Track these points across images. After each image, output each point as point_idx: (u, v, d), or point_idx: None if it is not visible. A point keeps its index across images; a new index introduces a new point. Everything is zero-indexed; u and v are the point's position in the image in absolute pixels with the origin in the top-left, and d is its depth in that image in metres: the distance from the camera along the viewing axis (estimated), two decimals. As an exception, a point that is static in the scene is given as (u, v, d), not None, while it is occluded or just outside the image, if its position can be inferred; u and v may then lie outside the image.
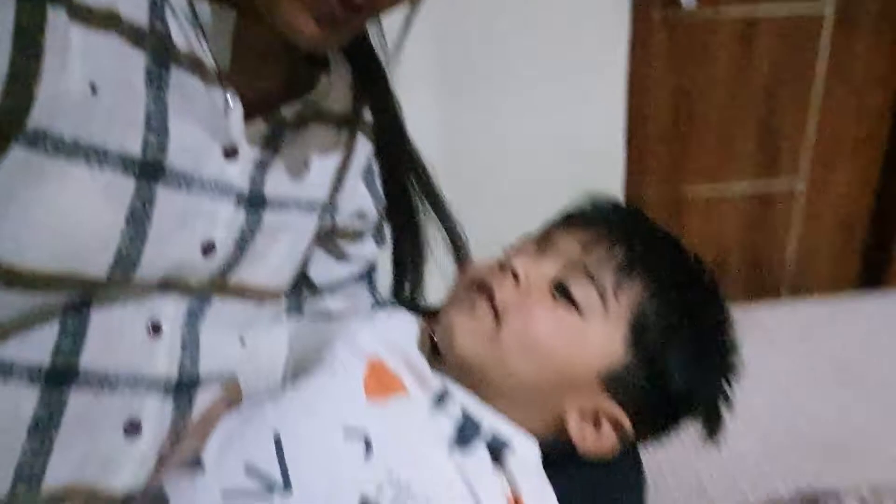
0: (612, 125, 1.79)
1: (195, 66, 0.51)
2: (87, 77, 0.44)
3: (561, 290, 0.55)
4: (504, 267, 0.57)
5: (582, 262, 0.56)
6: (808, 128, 1.99)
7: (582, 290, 0.54)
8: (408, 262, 0.81)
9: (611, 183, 1.80)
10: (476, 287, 0.57)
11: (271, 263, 0.63)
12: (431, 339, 0.59)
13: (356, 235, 0.75)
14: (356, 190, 0.73)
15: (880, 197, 2.12)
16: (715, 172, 2.00)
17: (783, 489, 0.82)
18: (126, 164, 0.47)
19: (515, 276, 0.56)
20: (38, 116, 0.42)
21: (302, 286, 0.78)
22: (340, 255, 0.75)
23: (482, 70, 1.53)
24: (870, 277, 2.11)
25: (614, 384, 0.55)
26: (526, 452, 0.54)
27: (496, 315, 0.54)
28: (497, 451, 0.53)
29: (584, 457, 0.56)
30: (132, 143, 0.48)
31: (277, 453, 0.49)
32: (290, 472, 0.48)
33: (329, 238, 0.74)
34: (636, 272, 0.55)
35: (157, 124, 0.49)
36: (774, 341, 1.06)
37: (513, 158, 1.64)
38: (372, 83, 0.69)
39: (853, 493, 0.80)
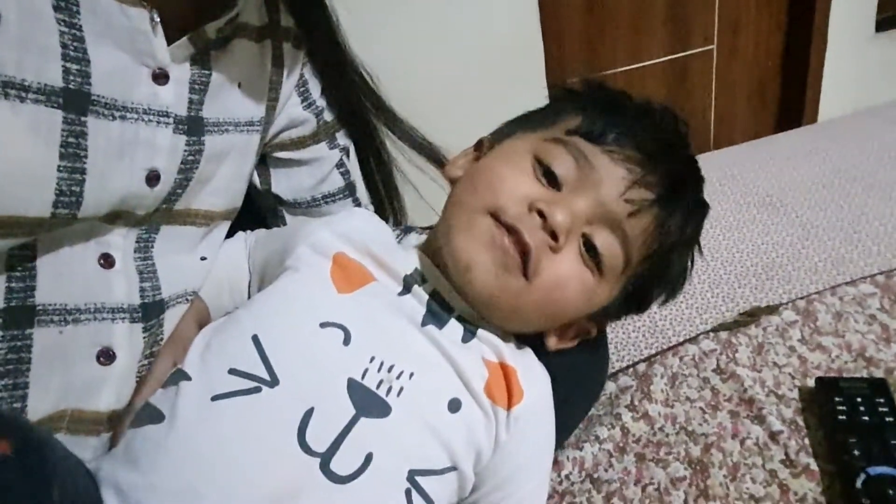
0: (526, 17, 1.78)
1: None
2: None
3: (591, 251, 0.53)
4: (540, 212, 0.52)
5: (621, 223, 0.53)
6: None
7: (611, 255, 0.54)
8: (375, 174, 0.82)
9: (533, 74, 1.81)
10: (506, 229, 0.52)
11: (217, 187, 0.63)
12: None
13: (296, 144, 0.75)
14: (290, 100, 0.73)
15: (789, 51, 2.19)
16: (631, 53, 2.02)
17: (728, 314, 0.89)
18: (48, 95, 0.46)
19: (554, 234, 0.51)
20: None
21: (279, 209, 0.79)
22: (293, 164, 0.76)
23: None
24: (785, 127, 2.21)
25: (601, 316, 0.59)
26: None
27: (525, 270, 0.52)
28: (468, 326, 0.56)
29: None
30: (51, 73, 0.46)
31: (259, 352, 0.50)
32: (274, 368, 0.49)
33: (271, 152, 0.75)
34: (673, 248, 0.56)
35: (74, 51, 0.48)
36: (704, 186, 1.12)
37: (431, 58, 1.64)
38: None
39: (789, 304, 0.88)
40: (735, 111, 2.24)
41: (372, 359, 0.51)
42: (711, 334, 0.84)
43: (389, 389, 0.50)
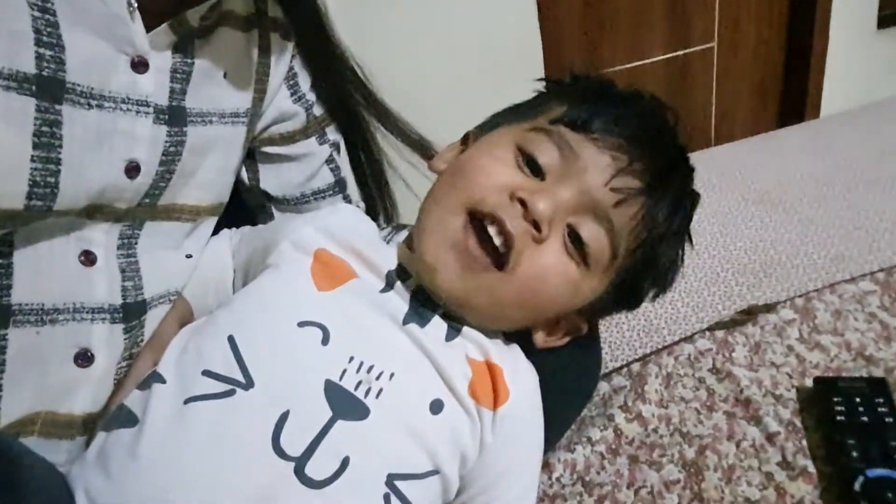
0: (525, 16, 1.77)
1: None
2: None
3: (576, 241, 0.51)
4: (521, 201, 0.50)
5: (607, 212, 0.51)
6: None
7: (597, 246, 0.52)
8: (366, 170, 0.80)
9: (532, 73, 1.80)
10: (481, 218, 0.50)
11: (202, 181, 0.61)
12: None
13: (285, 138, 0.73)
14: (279, 93, 0.71)
15: (790, 47, 2.17)
16: (631, 51, 2.01)
17: (725, 312, 0.87)
18: (20, 82, 0.45)
19: (536, 224, 0.49)
20: None
21: (267, 206, 0.77)
22: (282, 159, 0.74)
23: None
24: (787, 124, 2.19)
25: (590, 311, 0.57)
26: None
27: (499, 262, 0.50)
28: (453, 324, 0.54)
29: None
30: (23, 59, 0.45)
31: (234, 353, 0.49)
32: (249, 369, 0.48)
33: (259, 147, 0.73)
34: (662, 239, 0.54)
35: (48, 37, 0.46)
36: (701, 183, 1.09)
37: (426, 61, 1.62)
38: None
39: (787, 303, 0.87)
40: (736, 108, 2.22)
41: (351, 359, 0.49)
42: (707, 333, 0.83)
43: (368, 391, 0.49)
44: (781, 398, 0.73)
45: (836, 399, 0.69)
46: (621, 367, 0.81)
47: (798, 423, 0.69)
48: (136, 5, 0.51)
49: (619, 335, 0.85)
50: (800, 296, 0.86)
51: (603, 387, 0.78)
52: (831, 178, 1.08)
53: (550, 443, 0.69)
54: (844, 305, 0.84)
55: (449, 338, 0.54)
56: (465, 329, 0.54)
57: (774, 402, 0.72)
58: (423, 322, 0.53)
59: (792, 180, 1.09)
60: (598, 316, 0.61)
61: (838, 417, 0.67)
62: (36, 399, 0.50)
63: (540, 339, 0.58)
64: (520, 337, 0.58)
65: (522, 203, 0.49)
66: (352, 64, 0.76)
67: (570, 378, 0.66)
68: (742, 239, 0.97)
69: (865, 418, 0.66)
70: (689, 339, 0.83)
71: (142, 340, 0.58)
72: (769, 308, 0.85)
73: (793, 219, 1.00)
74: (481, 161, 0.54)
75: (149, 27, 0.53)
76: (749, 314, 0.83)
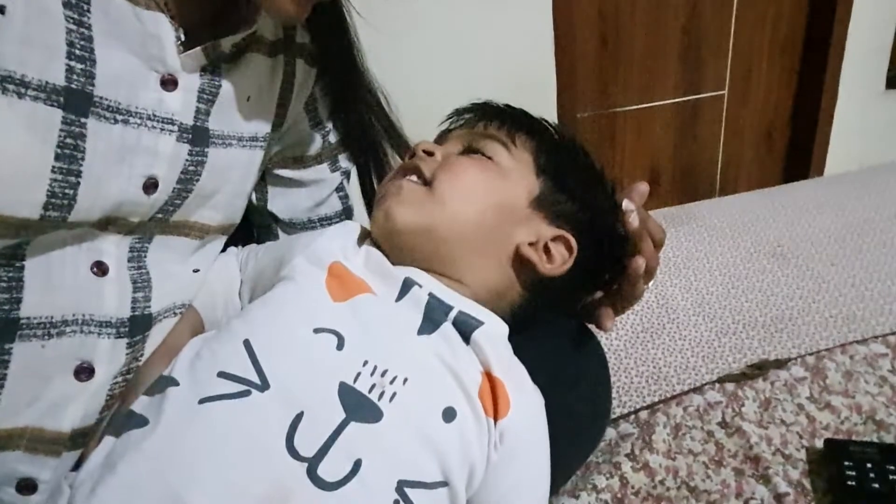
0: (541, 51, 1.78)
1: None
2: None
3: (471, 151, 0.62)
4: (415, 154, 0.62)
5: (477, 133, 0.64)
6: (729, 40, 2.03)
7: (487, 145, 0.62)
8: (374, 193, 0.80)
9: (544, 108, 1.81)
10: (397, 175, 0.61)
11: (217, 202, 0.61)
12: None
13: (298, 162, 0.73)
14: (298, 118, 0.71)
15: (799, 102, 2.20)
16: (643, 92, 2.02)
17: (735, 365, 0.87)
18: (49, 93, 0.44)
19: (429, 153, 0.61)
20: None
21: (273, 226, 0.77)
22: (293, 184, 0.74)
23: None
24: (791, 177, 2.21)
25: (544, 207, 0.60)
26: (494, 328, 0.56)
27: (425, 182, 0.59)
28: (465, 330, 0.54)
29: (546, 277, 0.59)
30: (54, 70, 0.45)
31: (250, 356, 0.49)
32: (265, 371, 0.48)
33: (272, 168, 0.73)
34: (521, 126, 0.63)
35: (80, 50, 0.46)
36: (713, 232, 1.10)
37: (443, 91, 1.63)
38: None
39: (798, 360, 0.86)
40: (742, 157, 2.24)
41: (365, 363, 0.50)
42: (717, 385, 0.82)
43: (382, 394, 0.49)
44: (791, 458, 0.72)
45: (846, 463, 0.68)
46: (629, 414, 0.80)
47: (807, 484, 0.68)
48: (183, 38, 0.51)
49: (628, 381, 0.84)
50: (811, 354, 0.86)
51: (610, 433, 0.77)
52: (843, 236, 1.08)
53: (555, 487, 0.67)
54: (855, 367, 0.83)
55: (461, 345, 0.54)
56: (474, 338, 0.54)
57: (784, 461, 0.71)
58: (435, 330, 0.54)
59: (804, 236, 1.09)
60: (563, 219, 0.60)
61: (849, 482, 0.66)
62: (29, 413, 0.49)
63: (528, 251, 0.58)
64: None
65: (413, 154, 0.62)
66: (376, 92, 0.76)
67: (577, 421, 0.65)
68: (754, 291, 0.97)
69: (877, 485, 0.65)
70: (698, 389, 0.82)
71: (142, 356, 0.57)
72: (780, 364, 0.84)
73: (805, 275, 0.99)
74: None
75: (182, 49, 0.53)
76: (760, 369, 0.83)
